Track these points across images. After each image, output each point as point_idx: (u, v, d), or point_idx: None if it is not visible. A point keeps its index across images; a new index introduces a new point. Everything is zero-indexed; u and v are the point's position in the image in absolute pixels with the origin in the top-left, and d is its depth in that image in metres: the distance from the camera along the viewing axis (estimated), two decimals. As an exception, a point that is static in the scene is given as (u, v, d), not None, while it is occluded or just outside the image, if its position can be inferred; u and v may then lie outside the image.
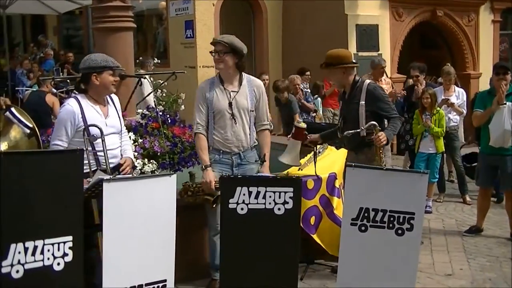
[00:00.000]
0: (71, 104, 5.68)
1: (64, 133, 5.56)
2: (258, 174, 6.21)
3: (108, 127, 5.70)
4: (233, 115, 6.21)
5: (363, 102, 6.55)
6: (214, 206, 6.06)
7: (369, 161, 6.34)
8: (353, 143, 6.59)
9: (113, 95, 5.98)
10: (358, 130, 6.38)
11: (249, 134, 6.34)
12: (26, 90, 15.47)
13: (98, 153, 5.60)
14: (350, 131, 6.33)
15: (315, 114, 12.42)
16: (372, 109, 6.54)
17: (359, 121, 6.53)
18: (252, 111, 6.33)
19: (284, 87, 11.43)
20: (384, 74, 11.76)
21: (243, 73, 6.38)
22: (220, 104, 6.20)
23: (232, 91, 6.26)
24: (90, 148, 5.52)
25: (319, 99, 12.90)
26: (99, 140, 5.58)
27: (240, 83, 6.32)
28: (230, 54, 6.17)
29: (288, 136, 10.76)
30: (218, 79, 6.33)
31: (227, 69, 6.23)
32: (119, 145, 5.85)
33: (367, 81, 6.81)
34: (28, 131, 5.70)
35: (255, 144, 6.43)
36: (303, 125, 6.70)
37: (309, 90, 13.09)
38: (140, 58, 13.34)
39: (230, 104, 6.21)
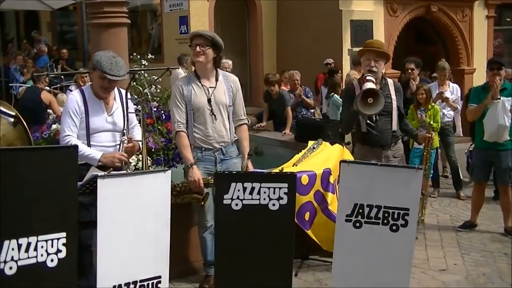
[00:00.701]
0: (74, 94, 5.77)
1: (71, 122, 5.58)
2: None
3: (109, 123, 5.71)
4: (212, 111, 6.19)
5: (395, 97, 6.67)
6: (202, 204, 6.05)
7: (394, 156, 6.71)
8: (384, 139, 6.65)
9: (124, 92, 5.96)
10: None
11: (229, 129, 6.33)
12: (20, 86, 15.44)
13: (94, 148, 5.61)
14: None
15: (313, 110, 12.34)
16: (398, 105, 6.72)
17: (393, 115, 6.65)
18: (230, 106, 6.32)
19: (275, 80, 11.35)
20: None
21: (218, 69, 6.37)
22: (198, 100, 6.16)
23: (210, 87, 6.23)
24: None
25: (336, 96, 12.49)
26: (97, 135, 5.62)
27: (217, 79, 6.30)
28: (211, 48, 6.15)
29: (283, 132, 10.81)
30: (194, 76, 6.29)
31: (206, 63, 6.19)
32: (115, 144, 5.77)
33: (387, 77, 6.94)
34: (12, 120, 5.66)
35: (236, 138, 6.42)
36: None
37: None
38: (183, 54, 13.43)
39: (209, 100, 6.18)
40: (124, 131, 5.83)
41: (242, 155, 6.36)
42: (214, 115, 6.18)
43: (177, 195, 6.09)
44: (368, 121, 6.51)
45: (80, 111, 5.59)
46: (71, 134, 5.56)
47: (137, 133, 5.99)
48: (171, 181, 5.93)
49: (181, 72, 12.24)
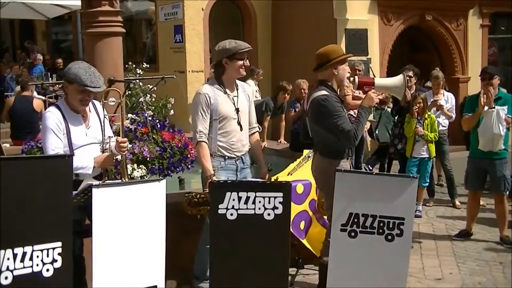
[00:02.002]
0: (51, 110, 5.52)
1: (55, 140, 5.34)
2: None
3: (89, 137, 5.55)
4: (239, 120, 6.20)
5: None
6: None
7: None
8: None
9: (97, 103, 5.79)
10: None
11: (247, 138, 6.37)
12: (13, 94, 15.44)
13: None
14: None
15: None
16: None
17: None
18: (249, 114, 6.36)
19: (290, 88, 11.40)
20: None
21: None
22: (225, 110, 6.13)
23: (234, 96, 6.23)
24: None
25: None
26: (78, 150, 5.42)
27: (236, 88, 6.31)
28: None
29: (278, 140, 10.83)
30: (217, 84, 6.22)
31: None
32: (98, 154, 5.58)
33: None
34: None
35: (249, 147, 6.42)
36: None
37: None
38: (251, 67, 12.91)
39: (237, 110, 6.19)
40: (107, 137, 5.67)
41: (259, 162, 6.44)
42: (241, 125, 6.21)
43: (194, 206, 5.95)
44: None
45: (62, 128, 5.40)
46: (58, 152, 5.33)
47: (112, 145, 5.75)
48: (189, 192, 5.85)
49: (252, 84, 12.01)
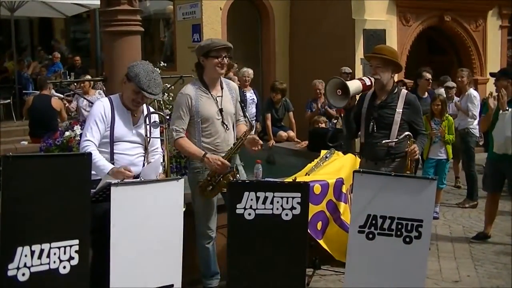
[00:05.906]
0: (102, 101, 5.57)
1: (94, 128, 5.33)
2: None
3: (132, 135, 5.52)
4: (223, 121, 6.03)
5: (401, 110, 6.31)
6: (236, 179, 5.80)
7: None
8: (377, 152, 6.33)
9: (152, 110, 5.78)
10: (395, 140, 6.19)
11: (234, 137, 6.17)
12: (33, 93, 15.53)
13: (114, 157, 5.43)
14: (387, 141, 6.14)
15: (336, 120, 12.25)
16: (407, 119, 6.35)
17: (392, 128, 6.31)
18: (235, 114, 6.23)
19: (281, 88, 11.44)
20: None
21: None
22: (207, 111, 5.97)
23: (217, 96, 6.07)
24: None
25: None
26: (120, 143, 5.43)
27: (221, 87, 6.17)
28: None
29: (300, 144, 10.80)
30: (201, 84, 6.06)
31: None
32: (140, 155, 5.59)
33: (403, 89, 6.74)
34: None
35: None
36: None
37: None
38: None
39: (220, 110, 6.02)
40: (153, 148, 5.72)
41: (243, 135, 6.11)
42: (226, 125, 6.04)
43: (212, 190, 5.87)
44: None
45: (107, 119, 5.38)
46: (91, 140, 5.31)
47: (157, 156, 5.76)
48: (200, 181, 5.81)
49: (235, 79, 11.98)
